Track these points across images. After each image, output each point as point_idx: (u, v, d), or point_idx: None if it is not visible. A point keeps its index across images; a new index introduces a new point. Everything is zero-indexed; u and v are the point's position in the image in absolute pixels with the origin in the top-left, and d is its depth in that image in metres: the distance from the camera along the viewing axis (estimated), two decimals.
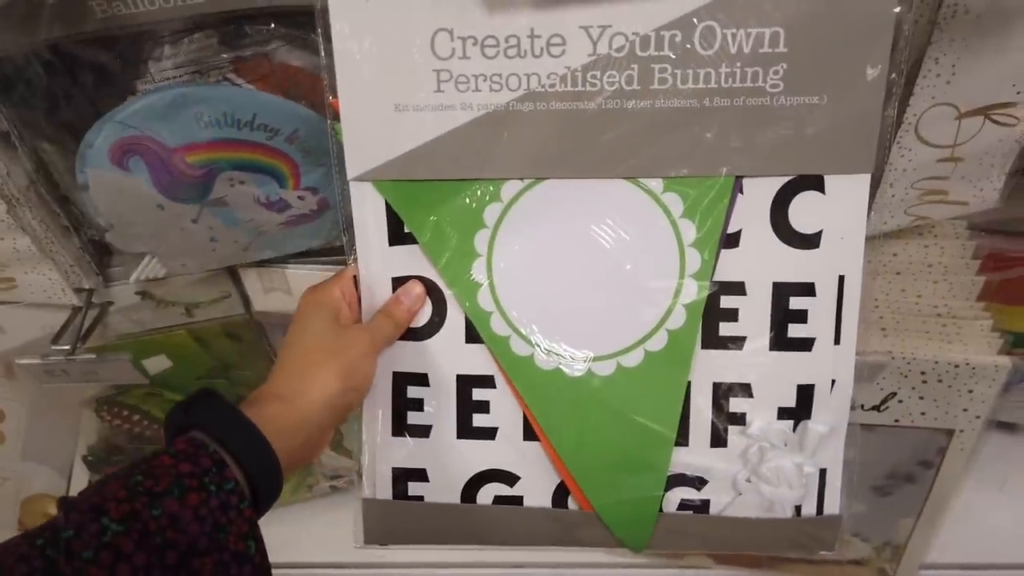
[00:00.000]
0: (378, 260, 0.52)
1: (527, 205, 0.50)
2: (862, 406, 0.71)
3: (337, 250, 0.68)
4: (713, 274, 0.51)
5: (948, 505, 0.80)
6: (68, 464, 0.92)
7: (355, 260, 0.53)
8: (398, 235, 0.52)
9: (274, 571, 1.02)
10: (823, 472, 0.54)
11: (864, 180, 0.50)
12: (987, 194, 0.62)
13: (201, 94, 0.54)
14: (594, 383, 0.51)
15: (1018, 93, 0.54)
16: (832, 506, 0.55)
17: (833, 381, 0.53)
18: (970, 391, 0.68)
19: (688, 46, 0.46)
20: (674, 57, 0.46)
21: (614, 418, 0.52)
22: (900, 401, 0.70)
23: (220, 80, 0.56)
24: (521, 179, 0.50)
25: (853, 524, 0.84)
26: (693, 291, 0.51)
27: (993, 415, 0.70)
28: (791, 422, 0.52)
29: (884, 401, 0.71)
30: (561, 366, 0.51)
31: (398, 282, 0.53)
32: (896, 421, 0.72)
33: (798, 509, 0.54)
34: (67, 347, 0.64)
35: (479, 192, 0.50)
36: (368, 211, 0.51)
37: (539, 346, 0.51)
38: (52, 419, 0.89)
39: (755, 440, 0.52)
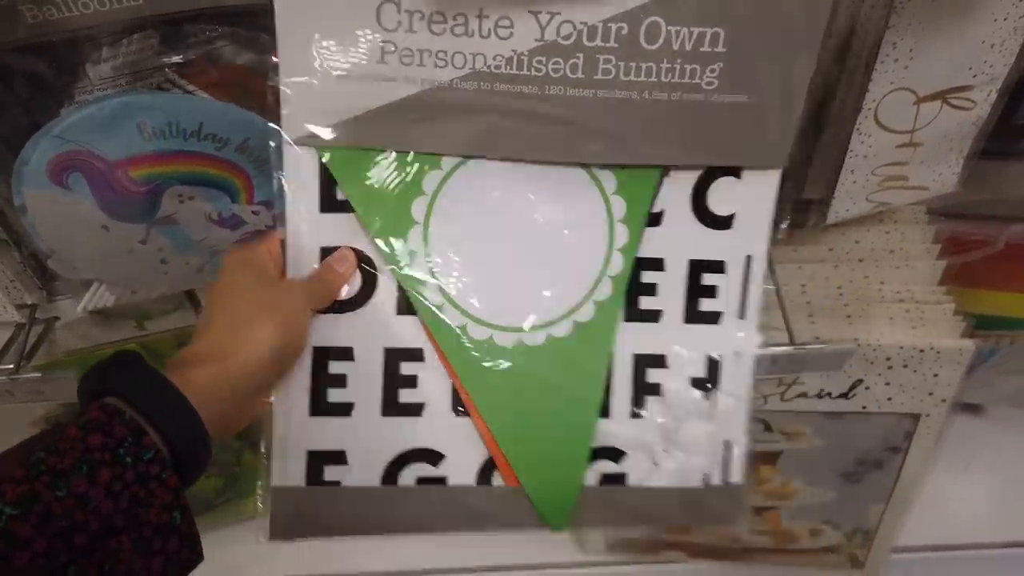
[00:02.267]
0: (308, 227, 0.50)
1: (467, 175, 0.50)
2: (829, 394, 0.72)
3: None
4: (636, 250, 0.52)
5: (917, 489, 0.80)
6: None
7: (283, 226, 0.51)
8: (331, 203, 0.50)
9: None
10: (728, 443, 0.56)
11: (777, 174, 0.52)
12: (946, 178, 0.62)
13: (143, 103, 0.51)
14: (524, 353, 0.52)
15: (974, 77, 0.54)
16: (736, 475, 0.56)
17: (738, 353, 0.55)
18: (935, 375, 0.68)
19: (633, 40, 0.47)
20: (619, 49, 0.47)
21: (542, 389, 0.52)
22: (867, 388, 0.70)
23: (163, 83, 0.53)
24: (461, 156, 0.50)
25: (823, 511, 0.84)
26: (619, 264, 0.52)
27: (958, 398, 0.71)
28: (702, 392, 0.54)
29: (851, 388, 0.71)
30: (492, 336, 0.51)
31: (327, 252, 0.50)
32: (863, 408, 0.72)
33: (706, 478, 0.56)
34: (10, 366, 0.61)
35: (419, 161, 0.50)
36: (302, 176, 0.49)
37: (471, 316, 0.51)
38: (1, 441, 0.85)
39: (671, 409, 0.54)
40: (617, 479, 0.54)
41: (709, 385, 0.54)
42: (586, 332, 0.52)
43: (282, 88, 0.48)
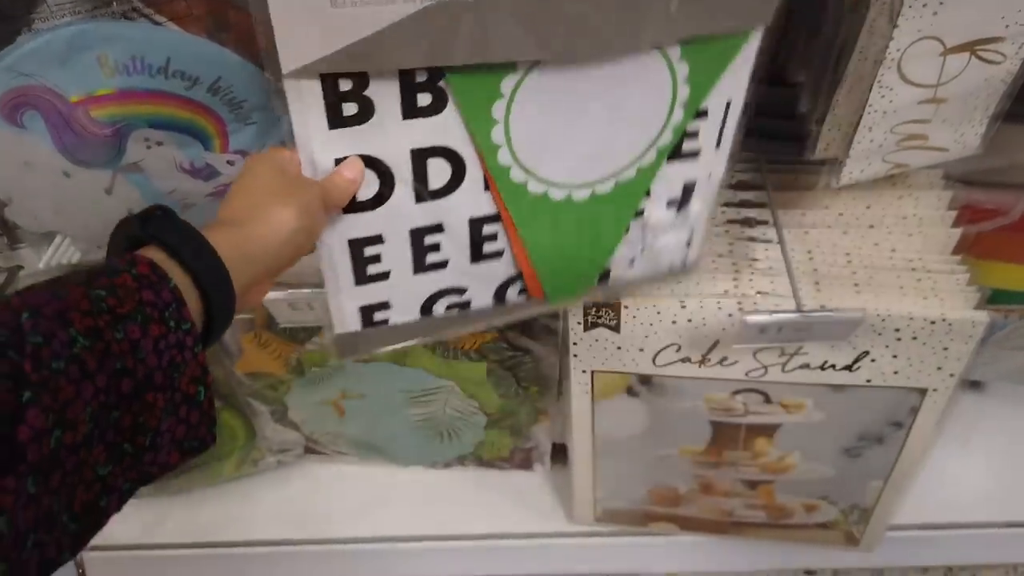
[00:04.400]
0: (318, 144, 0.49)
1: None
2: (833, 366, 0.68)
3: None
4: (686, 126, 0.55)
5: (918, 467, 0.78)
6: None
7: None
8: (338, 119, 0.49)
9: (219, 550, 0.97)
10: (691, 238, 0.63)
11: (760, 30, 0.52)
12: (968, 139, 0.58)
13: (104, 32, 0.47)
14: (570, 204, 0.57)
15: (1007, 27, 0.50)
16: (692, 257, 0.65)
17: (710, 175, 0.59)
18: (945, 348, 0.65)
19: None
20: None
21: (579, 228, 0.58)
22: (873, 360, 0.67)
23: (128, 12, 0.49)
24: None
25: (820, 487, 0.82)
26: (668, 139, 0.55)
27: (967, 371, 0.68)
28: (676, 209, 0.60)
29: (856, 360, 0.68)
30: (548, 192, 0.55)
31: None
32: (868, 381, 0.69)
33: (671, 268, 0.65)
34: None
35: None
36: (306, 104, 0.47)
37: (533, 175, 0.54)
38: None
39: (648, 227, 0.61)
40: (603, 276, 0.63)
41: (682, 203, 0.60)
42: (624, 190, 0.57)
43: (274, 21, 0.43)
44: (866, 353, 0.67)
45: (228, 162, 0.54)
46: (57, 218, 0.55)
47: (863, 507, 0.83)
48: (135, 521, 0.94)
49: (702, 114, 0.55)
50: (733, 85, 0.54)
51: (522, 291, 0.62)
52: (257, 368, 0.79)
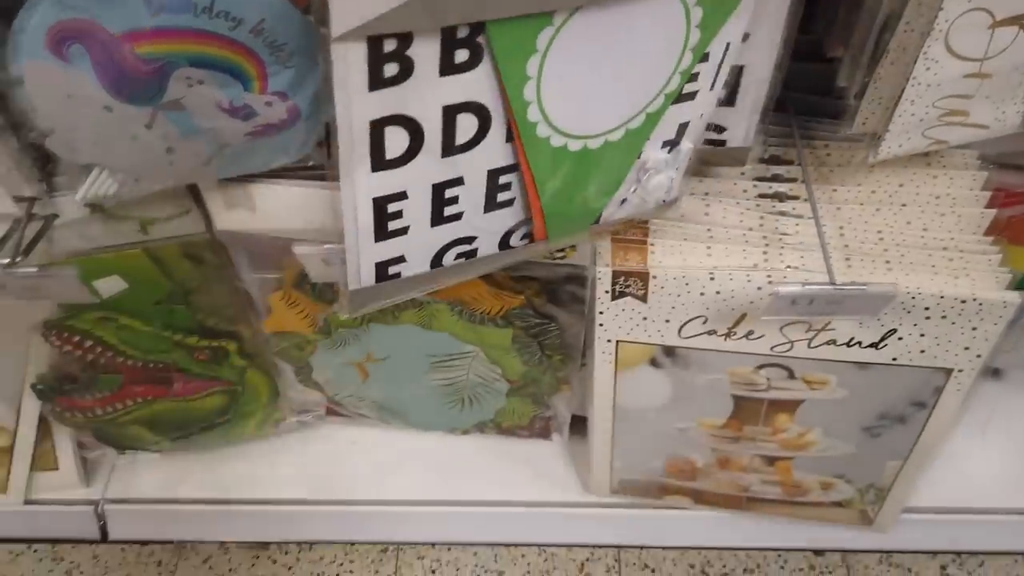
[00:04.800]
0: (357, 107, 0.50)
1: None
2: (859, 343, 0.69)
3: (308, 168, 0.63)
4: (692, 69, 0.56)
5: (937, 448, 0.78)
6: (16, 395, 0.86)
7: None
8: (378, 80, 0.49)
9: (238, 507, 0.99)
10: (679, 172, 0.65)
11: None
12: (1009, 118, 0.58)
13: None
14: (584, 153, 0.58)
15: None
16: (675, 192, 0.66)
17: (702, 114, 0.61)
18: (974, 328, 0.65)
19: None
20: None
21: (589, 175, 0.60)
22: (900, 338, 0.67)
23: None
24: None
25: (838, 465, 0.82)
26: (676, 83, 0.56)
27: (993, 354, 0.68)
28: (670, 148, 0.62)
29: (883, 338, 0.68)
30: (567, 144, 0.57)
31: (376, 124, 0.51)
32: (894, 359, 0.69)
33: (657, 203, 0.67)
34: (5, 260, 0.58)
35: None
36: (349, 66, 0.47)
37: (557, 129, 0.56)
38: None
39: (645, 168, 0.62)
40: (597, 218, 0.65)
41: (675, 143, 0.62)
42: (632, 135, 0.58)
43: None
44: (893, 331, 0.67)
45: (266, 103, 0.54)
46: (96, 150, 0.55)
47: (879, 487, 0.83)
48: (157, 476, 0.95)
49: (704, 58, 0.56)
50: (735, 28, 0.55)
51: (525, 236, 0.64)
52: (285, 327, 0.80)
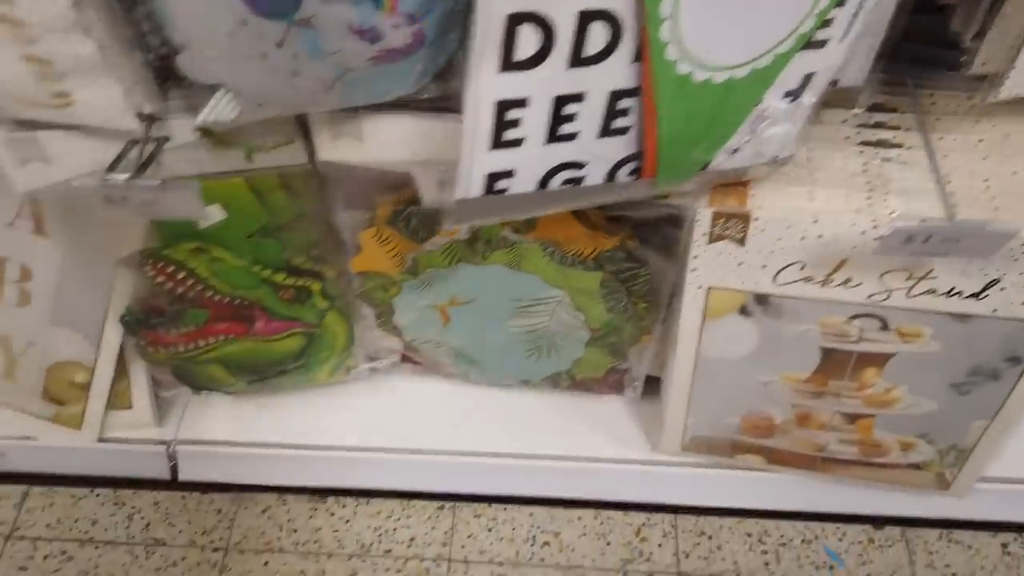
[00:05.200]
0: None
1: None
2: (960, 293, 0.68)
3: (423, 101, 0.63)
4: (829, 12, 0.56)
5: None
6: (98, 330, 0.87)
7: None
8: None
9: (306, 452, 0.98)
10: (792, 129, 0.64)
11: None
12: None
13: None
14: (708, 87, 0.57)
15: None
16: (792, 149, 0.67)
17: (829, 66, 0.60)
18: None
19: None
20: None
21: (709, 112, 0.59)
22: (1003, 289, 0.67)
23: None
24: None
25: (921, 423, 0.81)
26: (809, 25, 0.56)
27: None
28: (791, 99, 0.62)
29: (985, 288, 0.67)
30: (693, 72, 0.56)
31: (512, 19, 0.51)
32: (994, 311, 0.69)
33: (771, 159, 0.66)
34: (126, 175, 0.58)
35: None
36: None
37: (687, 54, 0.55)
38: (83, 280, 0.84)
39: (764, 116, 0.62)
40: (706, 163, 0.65)
41: (797, 94, 0.61)
42: (758, 74, 0.58)
43: None
44: (996, 281, 0.67)
45: (393, 25, 0.55)
46: (226, 70, 0.55)
47: (961, 447, 0.82)
48: (228, 418, 0.96)
49: (841, 2, 0.55)
50: None
51: (632, 171, 0.63)
52: (372, 266, 0.80)
